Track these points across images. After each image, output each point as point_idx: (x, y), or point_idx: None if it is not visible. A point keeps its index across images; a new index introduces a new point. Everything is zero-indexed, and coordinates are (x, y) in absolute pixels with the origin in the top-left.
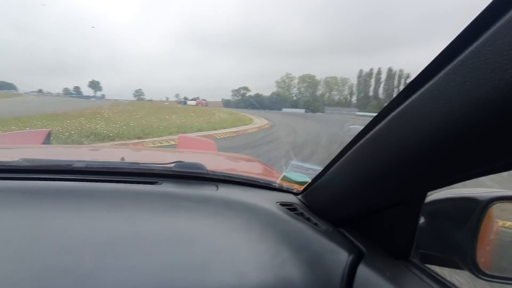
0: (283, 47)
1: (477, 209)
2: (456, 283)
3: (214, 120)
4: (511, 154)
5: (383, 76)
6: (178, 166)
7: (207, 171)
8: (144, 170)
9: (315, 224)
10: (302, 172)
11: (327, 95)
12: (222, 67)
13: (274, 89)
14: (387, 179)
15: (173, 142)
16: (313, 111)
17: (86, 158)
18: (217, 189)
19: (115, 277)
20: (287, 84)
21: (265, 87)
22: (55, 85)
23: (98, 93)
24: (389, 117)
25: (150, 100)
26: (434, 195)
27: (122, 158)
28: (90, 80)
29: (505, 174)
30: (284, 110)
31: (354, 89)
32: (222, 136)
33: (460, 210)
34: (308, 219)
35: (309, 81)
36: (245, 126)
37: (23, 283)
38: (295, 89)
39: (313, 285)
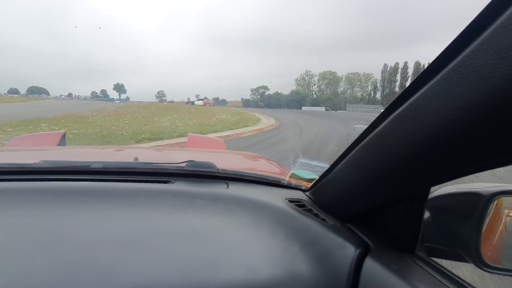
0: (303, 44)
1: (480, 203)
2: (461, 275)
3: (209, 122)
4: (505, 151)
5: (410, 71)
6: (190, 165)
7: (218, 169)
8: (158, 170)
9: (323, 219)
10: (309, 169)
11: (349, 92)
12: (242, 67)
13: (294, 87)
14: (391, 177)
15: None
16: (334, 108)
17: (100, 159)
18: (228, 187)
19: (132, 271)
20: (306, 81)
21: (284, 86)
22: (84, 89)
23: (123, 96)
24: (391, 117)
25: (172, 101)
26: (438, 191)
27: (136, 158)
28: (115, 83)
29: (502, 169)
30: (304, 108)
31: (378, 85)
32: None
33: (463, 205)
34: (316, 215)
35: (330, 78)
36: (244, 128)
37: (49, 278)
38: (315, 86)
39: (322, 278)
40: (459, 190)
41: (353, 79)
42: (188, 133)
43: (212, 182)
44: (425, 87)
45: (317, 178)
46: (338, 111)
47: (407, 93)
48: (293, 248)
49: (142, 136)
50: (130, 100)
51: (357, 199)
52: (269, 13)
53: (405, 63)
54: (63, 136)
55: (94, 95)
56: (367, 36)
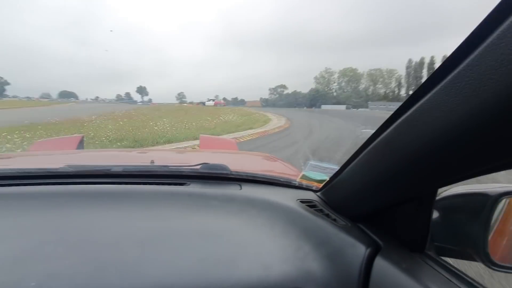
0: (322, 41)
1: (488, 203)
2: (470, 274)
3: (209, 125)
4: (504, 156)
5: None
6: (204, 167)
7: (231, 171)
8: (174, 172)
9: (334, 219)
10: (320, 171)
11: (371, 89)
12: (261, 67)
13: (313, 86)
14: (399, 178)
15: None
16: (356, 106)
17: (118, 162)
18: (241, 188)
19: (154, 270)
20: (326, 79)
21: (303, 84)
22: (110, 92)
23: (145, 98)
24: (397, 122)
25: (191, 102)
26: (447, 192)
27: (152, 161)
28: (138, 86)
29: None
30: (324, 107)
31: (403, 81)
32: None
33: (471, 205)
34: (327, 215)
35: (351, 75)
36: (246, 131)
37: (79, 276)
38: (335, 84)
39: (333, 277)
40: (467, 191)
41: (375, 76)
42: (200, 135)
43: (225, 184)
44: (428, 95)
45: (328, 179)
46: (360, 109)
47: (411, 100)
48: (305, 247)
49: (124, 143)
50: (153, 102)
51: (367, 199)
52: (288, 11)
53: (432, 57)
54: (82, 140)
55: (119, 98)
56: (390, 30)
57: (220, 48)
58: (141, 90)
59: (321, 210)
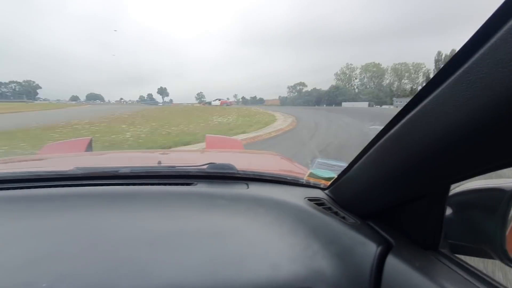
0: (342, 36)
1: (504, 199)
2: (489, 273)
3: (194, 129)
4: None
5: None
6: (211, 167)
7: (238, 171)
8: (181, 173)
9: (343, 217)
10: (327, 168)
11: (396, 84)
12: (280, 65)
13: (333, 82)
14: (409, 176)
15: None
16: (379, 103)
17: (126, 163)
18: (248, 187)
19: (163, 270)
20: (347, 75)
21: (323, 81)
22: (134, 94)
23: (166, 98)
24: (406, 118)
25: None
26: (460, 187)
27: (159, 162)
28: (158, 87)
29: None
30: (345, 104)
31: (431, 75)
32: None
33: (486, 201)
34: (336, 213)
35: (374, 70)
36: (236, 136)
37: (92, 276)
38: (357, 80)
39: (344, 276)
40: (481, 186)
41: (400, 70)
42: (206, 135)
43: (232, 183)
44: (438, 90)
45: (336, 176)
46: (383, 106)
47: (420, 95)
48: (314, 246)
49: None
50: (173, 102)
51: (377, 197)
52: (306, 6)
53: None
54: (90, 142)
55: (141, 99)
56: (416, 21)
57: (238, 48)
58: (162, 91)
59: (329, 208)
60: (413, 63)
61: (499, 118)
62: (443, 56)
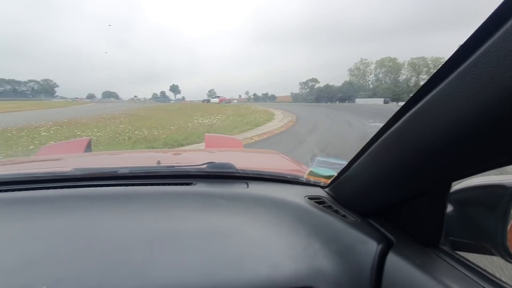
0: (357, 31)
1: (505, 195)
2: (488, 269)
3: (163, 133)
4: None
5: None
6: (210, 166)
7: (237, 170)
8: (180, 172)
9: (343, 216)
10: (327, 166)
11: (413, 79)
12: (293, 61)
13: (347, 78)
14: (410, 173)
15: None
16: (396, 99)
17: (125, 164)
18: (247, 187)
19: (162, 270)
20: (361, 71)
21: (337, 77)
22: (147, 91)
23: (178, 96)
24: (407, 115)
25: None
26: (461, 184)
27: (158, 162)
28: (171, 84)
29: None
30: (358, 101)
31: None
32: None
33: (487, 197)
34: (336, 211)
35: (389, 65)
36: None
37: (89, 278)
38: (372, 75)
39: (345, 274)
40: (483, 183)
41: (418, 65)
42: (205, 134)
43: (232, 182)
44: (440, 86)
45: (336, 175)
46: (399, 103)
47: (422, 91)
48: (314, 244)
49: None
50: (185, 99)
51: (377, 194)
52: (319, 2)
53: None
54: (89, 143)
55: (154, 97)
56: (434, 14)
57: (251, 45)
58: (174, 89)
59: (329, 207)
60: (432, 57)
61: (504, 114)
62: None
